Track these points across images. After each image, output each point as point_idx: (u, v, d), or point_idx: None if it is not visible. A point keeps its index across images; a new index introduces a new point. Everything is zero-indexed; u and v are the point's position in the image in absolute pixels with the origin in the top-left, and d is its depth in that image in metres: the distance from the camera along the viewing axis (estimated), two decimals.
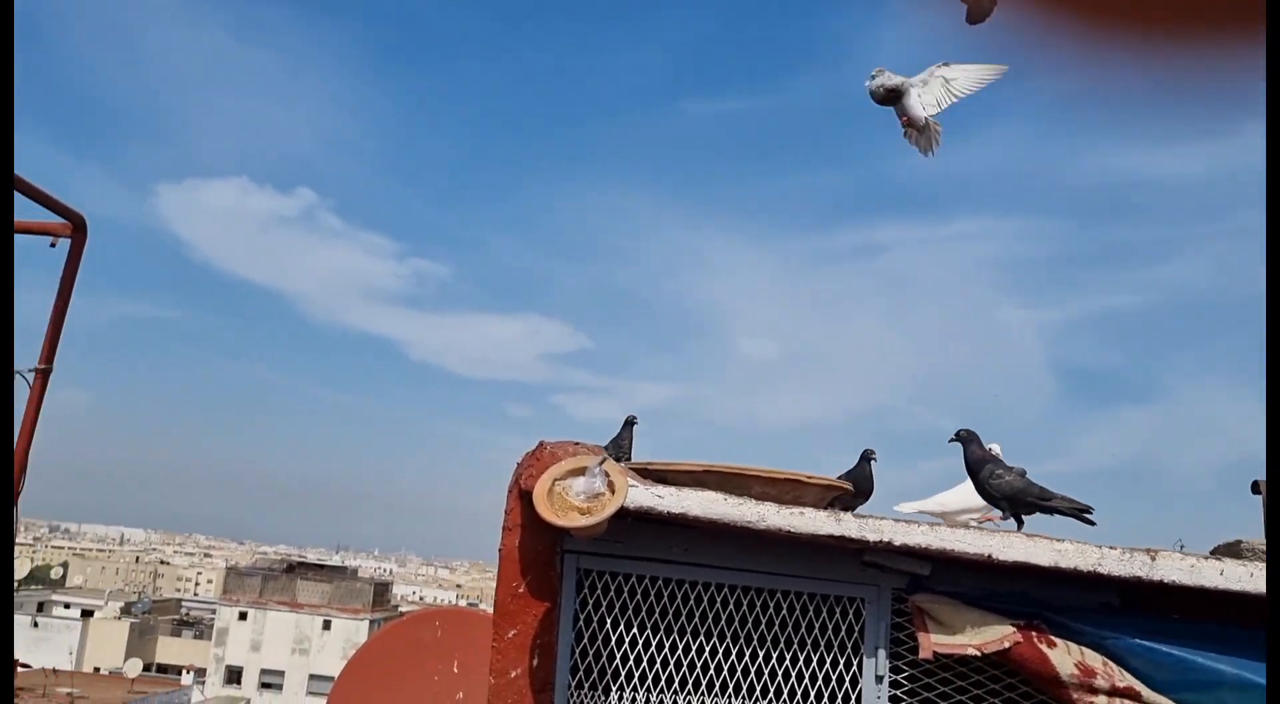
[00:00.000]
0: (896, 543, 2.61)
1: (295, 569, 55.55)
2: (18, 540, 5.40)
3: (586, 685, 2.76)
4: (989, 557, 2.59)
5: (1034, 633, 2.66)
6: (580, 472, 2.52)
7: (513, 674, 2.74)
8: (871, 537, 2.61)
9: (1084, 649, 2.65)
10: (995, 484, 3.08)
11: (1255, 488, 3.93)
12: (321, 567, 60.44)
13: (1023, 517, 3.06)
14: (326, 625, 50.68)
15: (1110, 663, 2.64)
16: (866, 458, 3.25)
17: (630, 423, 3.63)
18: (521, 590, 2.75)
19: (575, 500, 2.48)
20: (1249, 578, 2.59)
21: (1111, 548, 2.60)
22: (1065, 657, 2.64)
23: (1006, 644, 2.65)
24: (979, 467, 3.13)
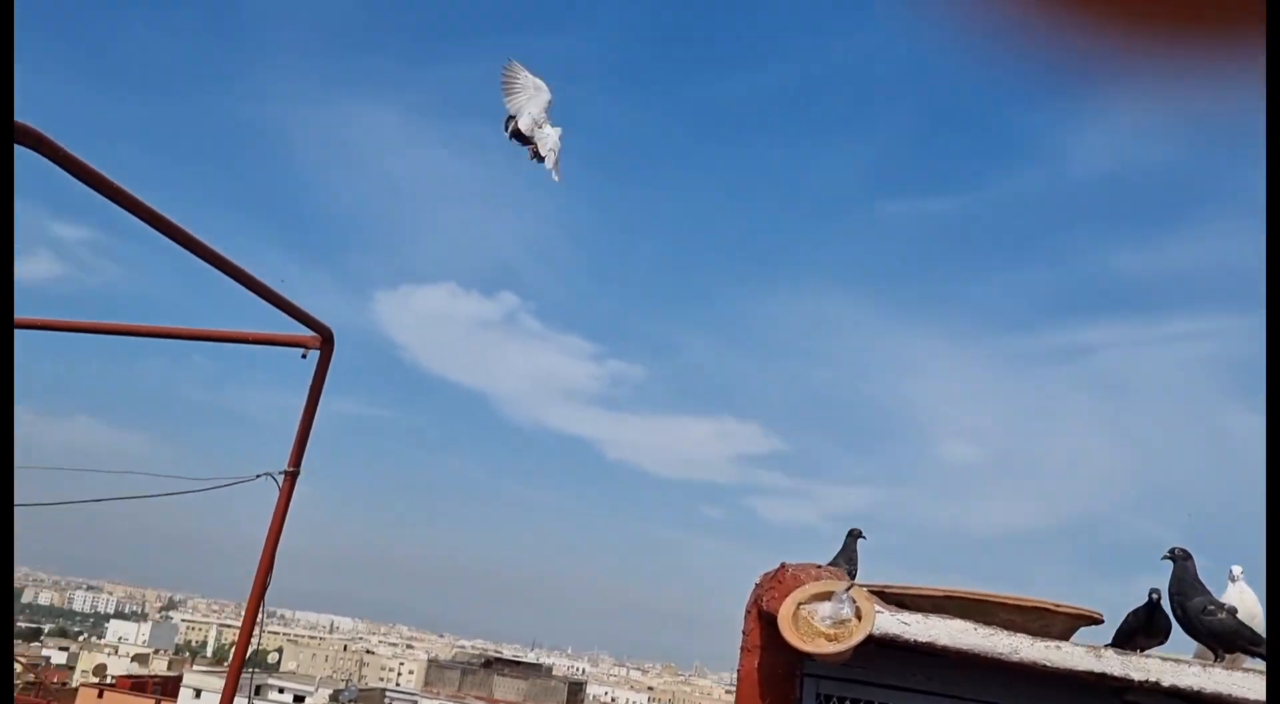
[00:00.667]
0: (1164, 684, 2.45)
1: (492, 665, 56.50)
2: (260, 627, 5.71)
3: None
4: None
5: None
6: (825, 596, 2.50)
7: None
8: (1136, 676, 2.46)
9: None
10: (1207, 621, 2.84)
11: None
12: (517, 663, 61.25)
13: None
14: None
15: None
16: (1154, 599, 2.99)
17: (855, 535, 3.56)
18: None
19: (821, 625, 2.45)
20: None
21: None
22: None
23: None
24: (1190, 595, 2.90)
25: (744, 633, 2.79)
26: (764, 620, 2.69)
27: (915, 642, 2.55)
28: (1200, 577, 3.02)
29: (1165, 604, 2.95)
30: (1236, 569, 3.43)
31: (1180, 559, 2.99)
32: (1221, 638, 2.83)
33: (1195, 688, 2.43)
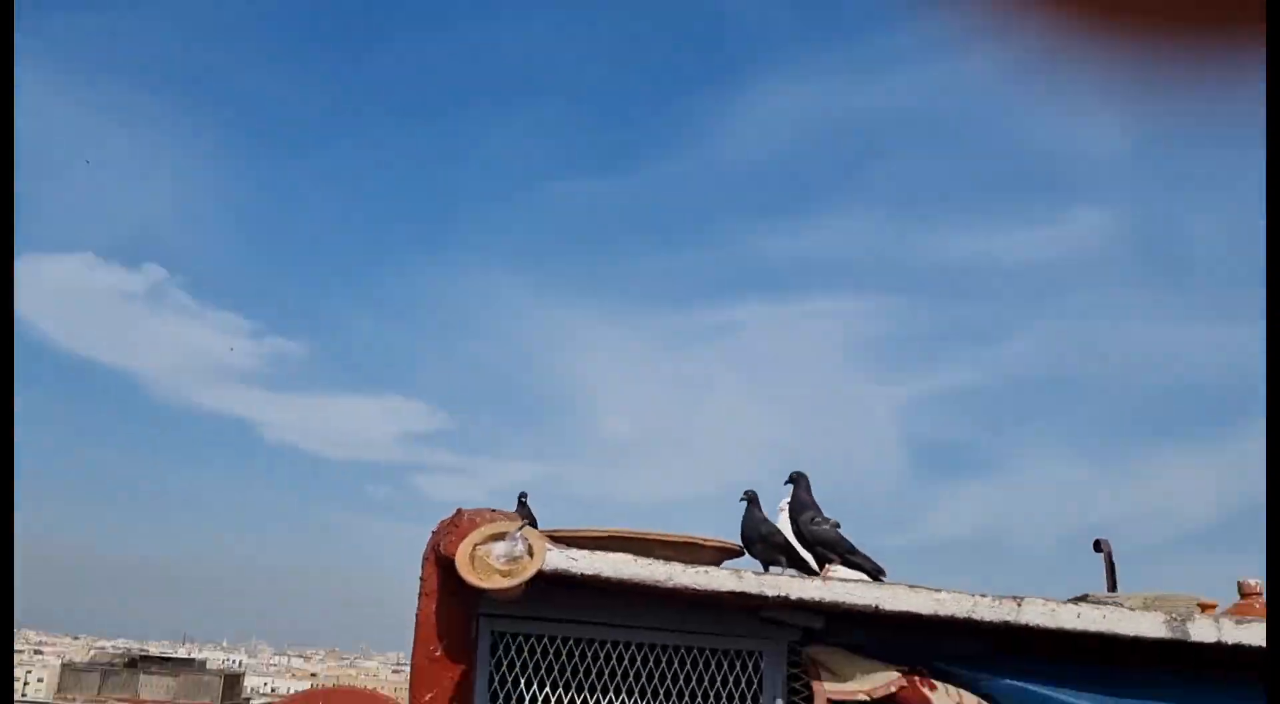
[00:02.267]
0: (793, 597, 2.83)
1: (137, 664, 52.58)
2: None
3: None
4: (876, 607, 2.83)
5: (917, 678, 2.90)
6: (499, 536, 2.66)
7: None
8: (770, 592, 2.82)
9: (961, 691, 2.90)
10: (812, 530, 3.31)
11: (1096, 546, 4.32)
12: (165, 659, 57.44)
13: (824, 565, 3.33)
14: None
15: (984, 703, 2.89)
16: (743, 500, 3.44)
17: (523, 499, 3.76)
18: (438, 654, 2.85)
19: (496, 563, 2.61)
20: (1102, 620, 2.89)
21: (983, 596, 2.87)
22: (945, 699, 2.88)
23: (893, 688, 2.88)
24: (801, 510, 3.38)
25: (421, 579, 2.90)
26: (441, 565, 2.82)
27: (583, 575, 2.77)
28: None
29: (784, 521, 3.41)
30: (783, 503, 3.95)
31: (795, 481, 3.43)
32: (824, 544, 3.27)
33: (817, 599, 2.83)
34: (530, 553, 2.64)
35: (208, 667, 58.63)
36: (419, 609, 2.89)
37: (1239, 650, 2.91)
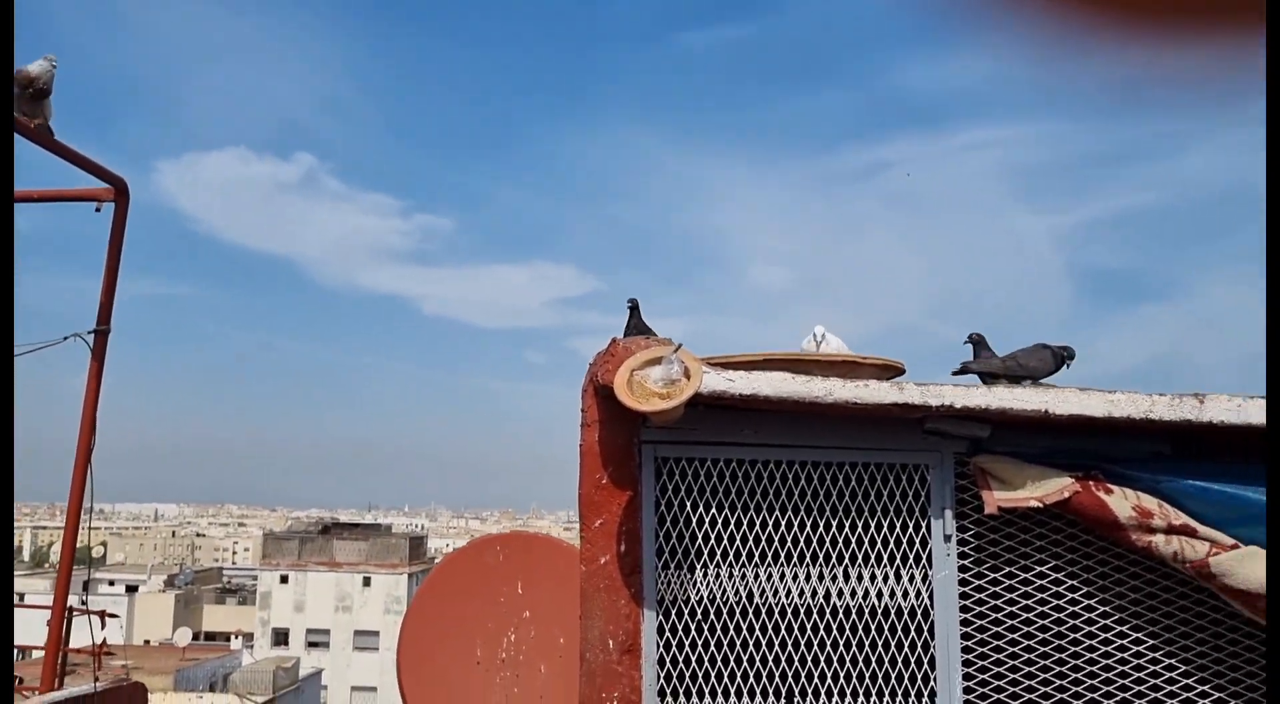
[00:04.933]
0: (957, 406, 2.76)
1: (330, 530, 56.33)
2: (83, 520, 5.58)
3: (672, 566, 2.94)
4: (1045, 411, 2.74)
5: (1091, 482, 2.82)
6: (656, 361, 2.67)
7: (602, 561, 2.92)
8: (934, 401, 2.76)
9: (1140, 493, 2.81)
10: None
11: None
12: (356, 526, 61.30)
13: None
14: (366, 582, 51.55)
15: (1165, 504, 2.79)
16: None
17: (634, 307, 3.50)
18: (604, 482, 2.92)
19: (654, 387, 2.63)
20: None
21: (1161, 395, 2.75)
22: (1123, 502, 2.79)
23: (1066, 494, 2.81)
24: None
25: (583, 410, 2.95)
26: (600, 394, 2.85)
27: (740, 396, 2.76)
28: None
29: None
30: (819, 329, 3.76)
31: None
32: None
33: (982, 406, 2.75)
34: (687, 375, 2.64)
35: (394, 531, 62.37)
36: (582, 440, 2.95)
37: None
